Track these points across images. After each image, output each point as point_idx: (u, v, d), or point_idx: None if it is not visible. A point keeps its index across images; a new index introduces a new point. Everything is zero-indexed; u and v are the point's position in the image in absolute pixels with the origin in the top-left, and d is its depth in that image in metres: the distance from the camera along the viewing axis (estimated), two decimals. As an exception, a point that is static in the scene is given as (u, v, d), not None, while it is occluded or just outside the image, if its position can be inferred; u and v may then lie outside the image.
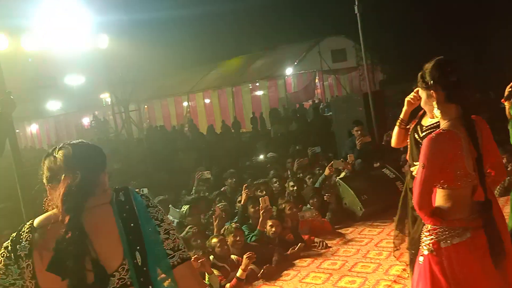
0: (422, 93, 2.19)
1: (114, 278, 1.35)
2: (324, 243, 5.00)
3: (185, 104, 24.08)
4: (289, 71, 21.79)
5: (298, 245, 4.86)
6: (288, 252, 4.77)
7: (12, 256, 1.36)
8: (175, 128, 20.01)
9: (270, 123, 17.40)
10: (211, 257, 4.28)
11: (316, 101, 21.34)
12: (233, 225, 4.78)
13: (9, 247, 1.38)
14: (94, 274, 1.32)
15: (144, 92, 23.74)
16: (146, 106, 25.79)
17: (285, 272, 4.47)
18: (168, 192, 6.88)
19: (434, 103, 2.09)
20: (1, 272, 1.36)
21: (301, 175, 6.97)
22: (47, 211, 1.45)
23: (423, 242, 2.12)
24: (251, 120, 18.92)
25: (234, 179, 6.97)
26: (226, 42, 23.42)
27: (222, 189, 6.68)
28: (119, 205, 1.40)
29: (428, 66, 2.14)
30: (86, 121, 27.58)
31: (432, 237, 2.06)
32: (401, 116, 3.05)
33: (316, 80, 22.85)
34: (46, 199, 1.46)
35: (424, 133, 2.86)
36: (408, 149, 3.10)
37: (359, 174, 6.31)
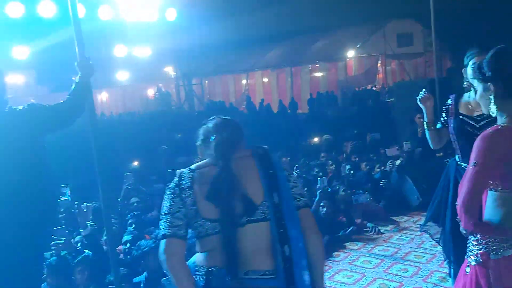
0: (478, 86, 1.99)
1: (258, 211, 1.73)
2: (377, 228, 4.98)
3: (244, 82, 24.27)
4: (350, 53, 21.22)
5: (350, 228, 4.87)
6: (340, 234, 4.81)
7: (177, 191, 1.77)
8: (232, 105, 20.31)
9: (327, 106, 17.16)
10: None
11: (377, 86, 20.71)
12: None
13: (174, 186, 1.80)
14: (243, 205, 1.71)
15: (206, 67, 24.15)
16: (206, 81, 26.28)
17: (336, 253, 4.53)
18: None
19: (492, 97, 1.90)
20: (169, 204, 1.77)
21: (356, 159, 6.89)
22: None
23: (470, 252, 1.94)
24: (308, 102, 18.74)
25: (289, 158, 7.06)
26: (287, 21, 23.07)
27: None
28: (259, 157, 1.82)
29: (487, 56, 1.93)
30: (150, 92, 28.58)
31: (481, 247, 1.87)
32: (426, 119, 3.12)
33: (378, 65, 22.12)
34: (199, 155, 1.91)
35: (481, 124, 2.78)
36: (458, 146, 2.97)
37: (418, 162, 6.14)
